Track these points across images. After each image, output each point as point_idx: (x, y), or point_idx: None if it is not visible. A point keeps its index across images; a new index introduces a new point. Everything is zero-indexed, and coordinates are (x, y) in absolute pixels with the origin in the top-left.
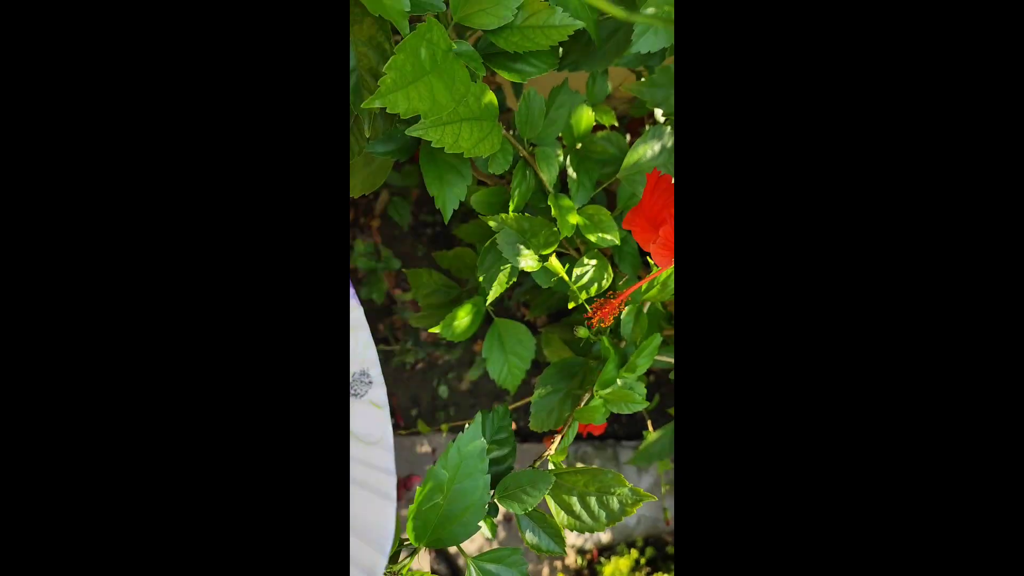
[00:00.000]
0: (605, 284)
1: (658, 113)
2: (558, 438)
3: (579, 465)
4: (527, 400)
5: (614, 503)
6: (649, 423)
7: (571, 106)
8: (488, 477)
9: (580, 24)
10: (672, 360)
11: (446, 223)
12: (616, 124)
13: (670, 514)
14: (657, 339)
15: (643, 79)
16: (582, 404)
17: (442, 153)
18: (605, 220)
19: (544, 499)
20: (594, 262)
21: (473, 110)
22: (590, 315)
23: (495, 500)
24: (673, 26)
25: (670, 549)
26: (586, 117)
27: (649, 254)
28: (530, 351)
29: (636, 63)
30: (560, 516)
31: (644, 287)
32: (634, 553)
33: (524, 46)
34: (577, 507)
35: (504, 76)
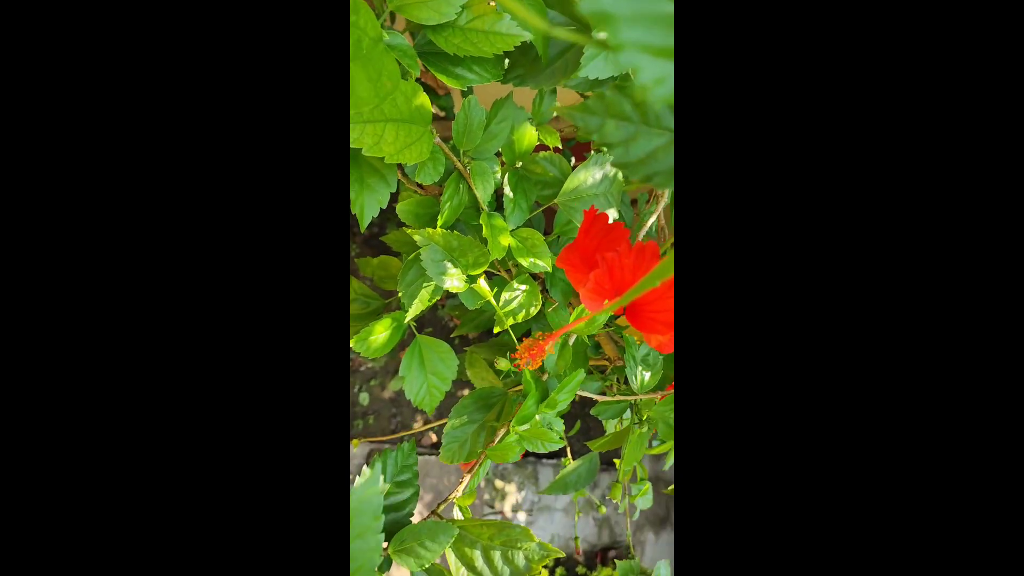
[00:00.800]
0: (534, 311)
1: None
2: (467, 477)
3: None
4: (444, 421)
5: (519, 559)
6: (568, 449)
7: (514, 122)
8: (381, 536)
9: (526, 36)
10: (595, 395)
11: (362, 230)
12: (560, 147)
13: (580, 542)
14: (580, 374)
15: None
16: (497, 439)
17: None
18: (538, 245)
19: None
20: (524, 287)
21: (401, 111)
22: (517, 355)
23: (389, 554)
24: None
25: (580, 569)
26: (529, 135)
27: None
28: (452, 371)
29: (585, 87)
30: (460, 572)
31: (572, 317)
32: (544, 573)
33: (466, 49)
34: (479, 562)
35: (442, 80)
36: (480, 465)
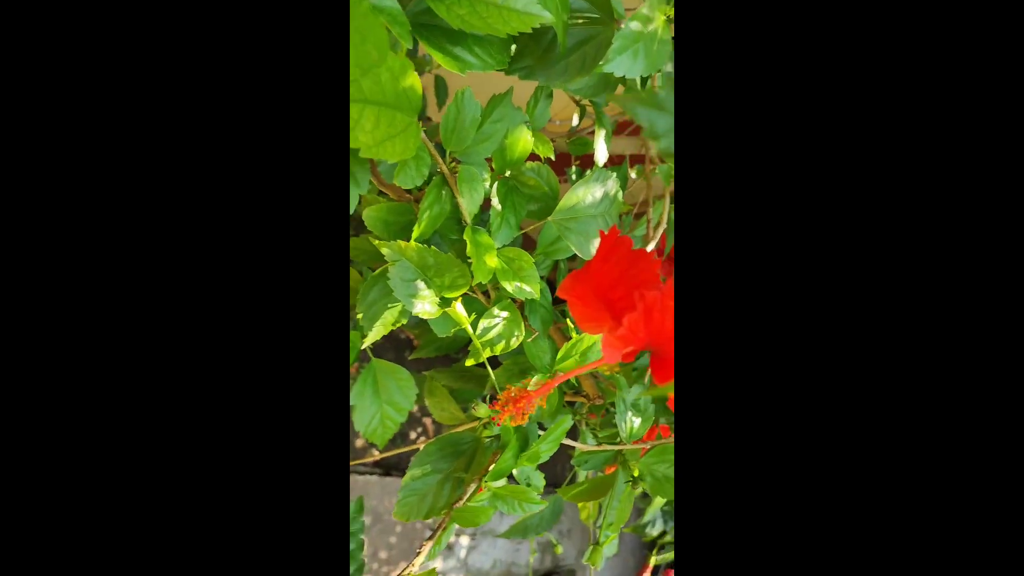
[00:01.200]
0: (515, 343)
1: (599, 155)
2: (427, 545)
3: None
4: (402, 450)
5: None
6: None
7: (511, 124)
8: None
9: (548, 18)
10: (572, 441)
11: None
12: (552, 158)
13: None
14: (567, 422)
15: (632, 91)
16: (466, 496)
17: None
18: (526, 268)
19: None
20: (505, 314)
21: (385, 91)
22: (498, 406)
23: None
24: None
25: None
26: (523, 141)
27: (570, 315)
28: (410, 401)
29: (597, 89)
30: None
31: (560, 356)
32: None
33: (472, 24)
34: None
35: (438, 59)
36: (443, 529)
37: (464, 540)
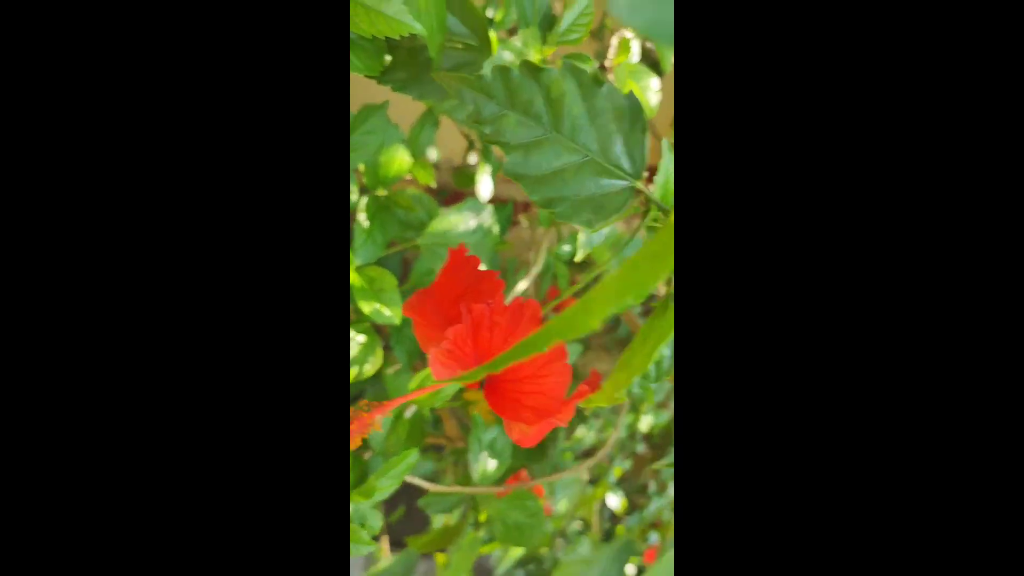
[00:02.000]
0: (369, 370)
1: (481, 190)
2: None
3: None
4: None
5: None
6: (385, 540)
7: (384, 139)
8: None
9: (418, 28)
10: (424, 482)
11: None
12: (433, 186)
13: None
14: (413, 455)
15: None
16: None
17: None
18: (388, 290)
19: None
20: (362, 339)
21: None
22: None
23: None
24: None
25: None
26: (399, 160)
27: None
28: None
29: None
30: None
31: (413, 384)
32: None
33: None
34: None
35: None
36: None
37: None
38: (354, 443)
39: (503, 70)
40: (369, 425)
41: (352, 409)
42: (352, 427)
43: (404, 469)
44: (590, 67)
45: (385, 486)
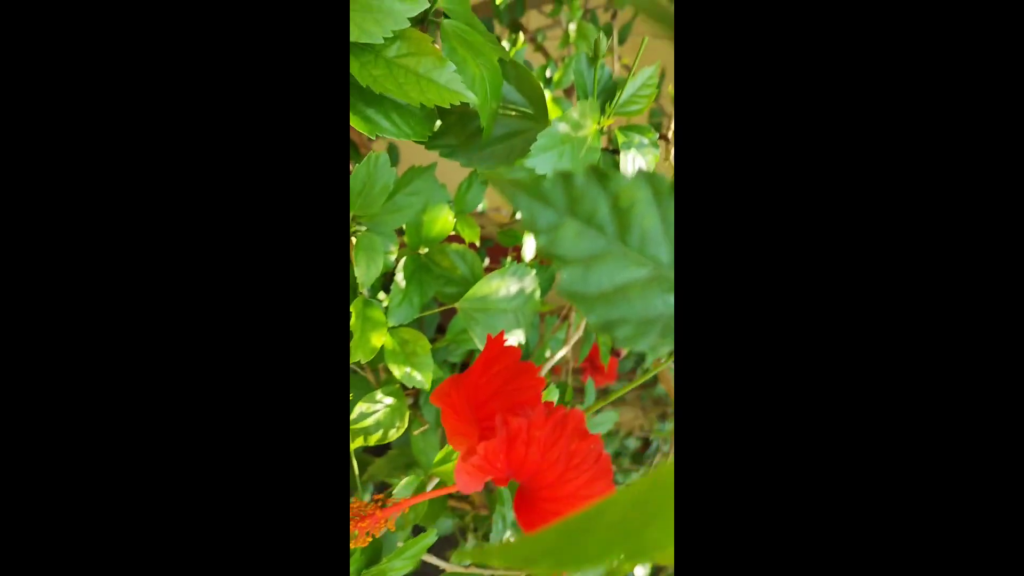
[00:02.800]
0: (395, 434)
1: (527, 250)
2: None
3: None
4: None
5: None
6: None
7: (429, 199)
8: None
9: (470, 99)
10: (440, 562)
11: None
12: (477, 243)
13: None
14: (431, 536)
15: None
16: None
17: None
18: (420, 353)
19: None
20: (390, 401)
21: None
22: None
23: None
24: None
25: None
26: (443, 220)
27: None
28: None
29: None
30: None
31: (438, 458)
32: None
33: (385, 86)
34: None
35: (351, 119)
36: None
37: None
38: (362, 541)
39: (564, 176)
40: (381, 523)
41: (361, 503)
42: (362, 525)
43: (420, 550)
44: (649, 138)
45: (397, 569)
